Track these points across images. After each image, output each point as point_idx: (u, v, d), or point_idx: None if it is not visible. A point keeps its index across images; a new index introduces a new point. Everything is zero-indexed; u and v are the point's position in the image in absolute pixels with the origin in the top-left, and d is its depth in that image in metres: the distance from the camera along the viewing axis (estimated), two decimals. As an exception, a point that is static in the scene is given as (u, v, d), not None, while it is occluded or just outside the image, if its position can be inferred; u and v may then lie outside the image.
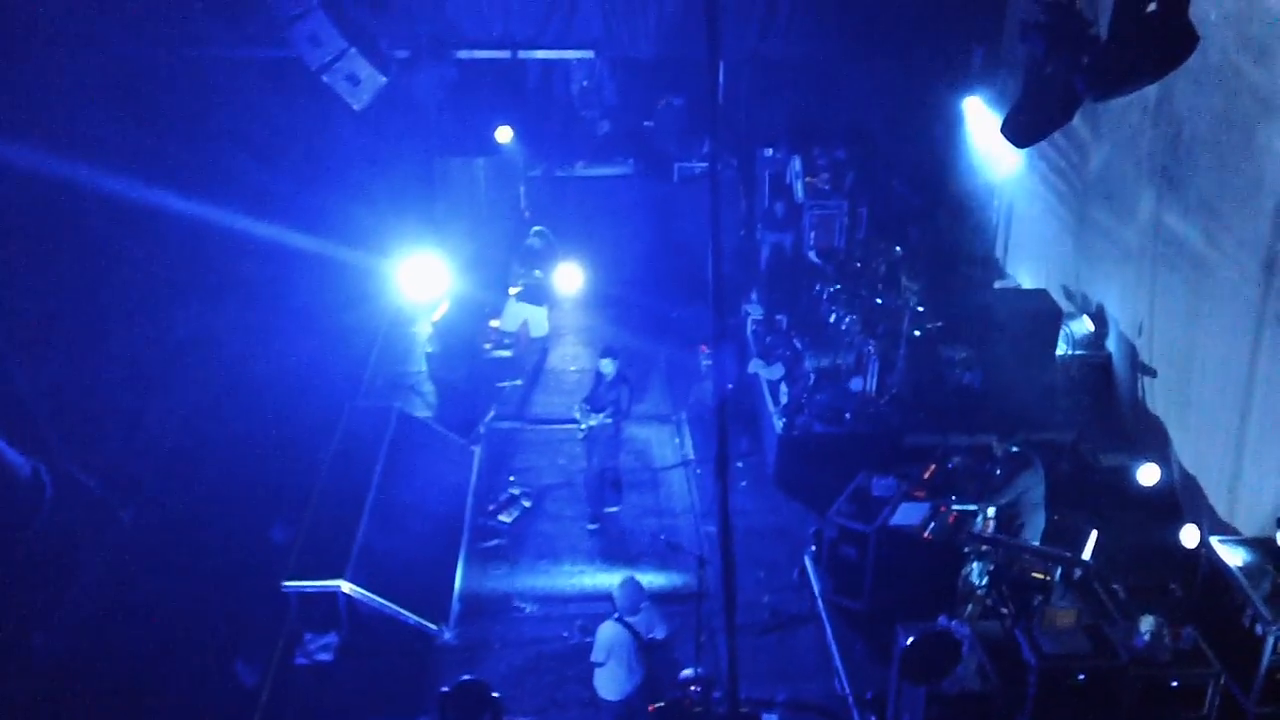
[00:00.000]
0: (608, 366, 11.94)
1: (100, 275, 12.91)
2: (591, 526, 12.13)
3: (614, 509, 12.32)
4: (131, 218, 13.09)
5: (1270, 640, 8.64)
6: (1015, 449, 10.35)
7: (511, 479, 12.83)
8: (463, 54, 16.23)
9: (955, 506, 10.55)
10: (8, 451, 10.60)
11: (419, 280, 14.91)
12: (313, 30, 13.25)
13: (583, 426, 11.92)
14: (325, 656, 10.26)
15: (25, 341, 11.30)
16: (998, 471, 10.65)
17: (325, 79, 13.56)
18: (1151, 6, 6.90)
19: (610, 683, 9.12)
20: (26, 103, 12.33)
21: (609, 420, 11.85)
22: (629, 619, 9.00)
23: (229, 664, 10.12)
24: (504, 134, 16.46)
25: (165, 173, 13.62)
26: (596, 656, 9.07)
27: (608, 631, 9.04)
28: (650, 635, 9.12)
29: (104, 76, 13.99)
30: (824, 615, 10.67)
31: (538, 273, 15.10)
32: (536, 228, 15.50)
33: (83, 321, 12.43)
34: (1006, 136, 9.42)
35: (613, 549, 11.90)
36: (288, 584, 10.16)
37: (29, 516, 10.79)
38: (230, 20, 14.92)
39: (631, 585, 9.07)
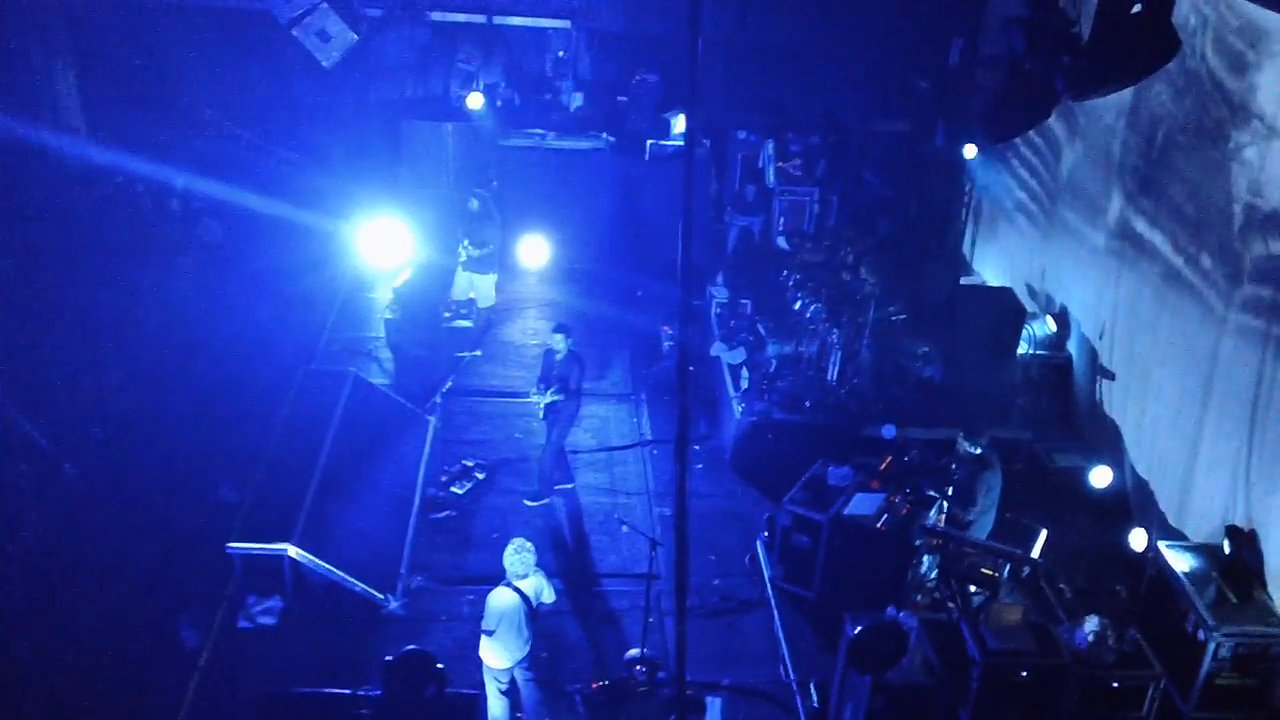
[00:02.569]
0: (559, 342, 11.75)
1: (51, 233, 12.64)
2: (530, 504, 11.99)
3: (567, 485, 12.21)
4: (85, 178, 12.83)
5: (1211, 646, 8.72)
6: (979, 450, 10.35)
7: (467, 451, 12.69)
8: (436, 16, 16.00)
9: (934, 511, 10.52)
10: None
11: (380, 245, 14.70)
12: (284, -18, 13.02)
13: (539, 404, 11.78)
14: (268, 620, 10.13)
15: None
16: (953, 466, 10.68)
17: (295, 33, 13.32)
18: (1136, 8, 6.85)
19: (502, 651, 8.80)
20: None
21: (559, 397, 11.66)
22: (519, 584, 8.75)
23: (170, 624, 9.97)
24: (475, 100, 16.24)
25: (118, 130, 13.36)
26: (488, 625, 8.70)
27: (500, 598, 8.70)
28: (539, 601, 8.90)
29: (63, 33, 13.69)
30: (773, 602, 10.66)
31: (466, 241, 14.83)
32: (476, 190, 15.19)
33: (34, 279, 12.17)
34: (982, 131, 9.39)
35: (564, 526, 11.83)
36: (233, 545, 10.01)
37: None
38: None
39: (522, 549, 8.76)
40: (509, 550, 8.77)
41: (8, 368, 11.16)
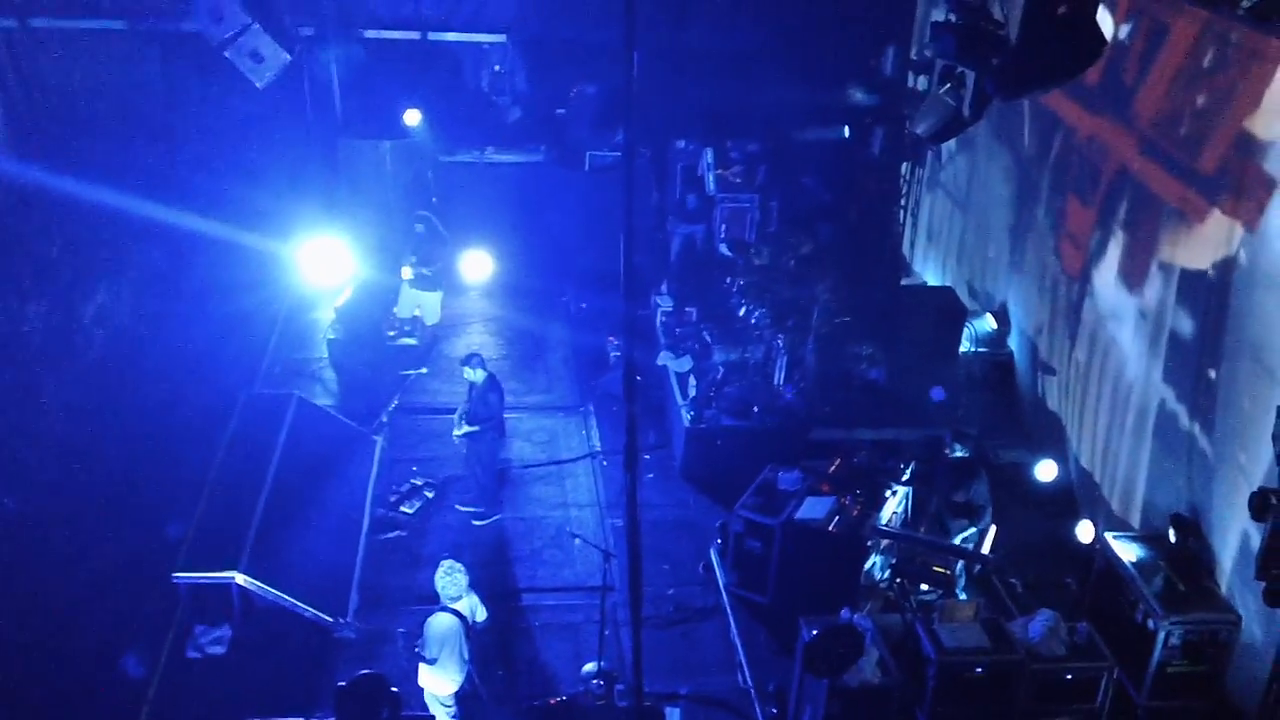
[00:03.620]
0: (470, 374, 11.69)
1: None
2: (478, 524, 11.93)
3: (472, 511, 12.06)
4: (18, 200, 12.61)
5: (1161, 635, 8.84)
6: (965, 452, 10.42)
7: (414, 469, 12.60)
8: (371, 33, 15.90)
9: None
10: None
11: (320, 264, 14.56)
12: (214, 4, 12.84)
13: (455, 435, 11.75)
14: (217, 650, 9.97)
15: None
16: (900, 466, 10.77)
17: (227, 55, 13.15)
18: (1061, 9, 6.95)
19: (445, 677, 8.70)
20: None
21: (473, 428, 11.61)
22: (455, 605, 8.66)
23: (116, 657, 9.77)
24: (412, 117, 16.15)
25: (53, 151, 13.14)
26: (429, 652, 8.55)
27: (440, 623, 8.57)
28: (474, 621, 8.82)
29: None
30: (728, 609, 10.66)
31: (413, 259, 14.78)
32: (421, 212, 15.17)
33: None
34: (917, 134, 9.48)
35: (517, 541, 11.76)
36: (179, 575, 9.85)
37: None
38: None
39: (452, 570, 8.68)
40: (440, 574, 8.69)
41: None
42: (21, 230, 13.01)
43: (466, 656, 8.74)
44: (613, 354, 14.70)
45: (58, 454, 12.06)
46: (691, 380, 13.06)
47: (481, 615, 8.91)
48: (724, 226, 16.43)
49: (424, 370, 14.56)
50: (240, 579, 9.77)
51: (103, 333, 13.54)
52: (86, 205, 12.96)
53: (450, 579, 8.64)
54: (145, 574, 10.27)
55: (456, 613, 8.63)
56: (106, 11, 14.29)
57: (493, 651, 10.05)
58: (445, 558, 9.10)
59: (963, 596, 10.02)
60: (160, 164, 14.40)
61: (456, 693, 8.88)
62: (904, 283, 16.12)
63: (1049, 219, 12.37)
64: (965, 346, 13.56)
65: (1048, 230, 12.39)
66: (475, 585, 9.02)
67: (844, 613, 8.87)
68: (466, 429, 11.64)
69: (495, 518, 11.98)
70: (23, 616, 9.93)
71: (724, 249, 16.07)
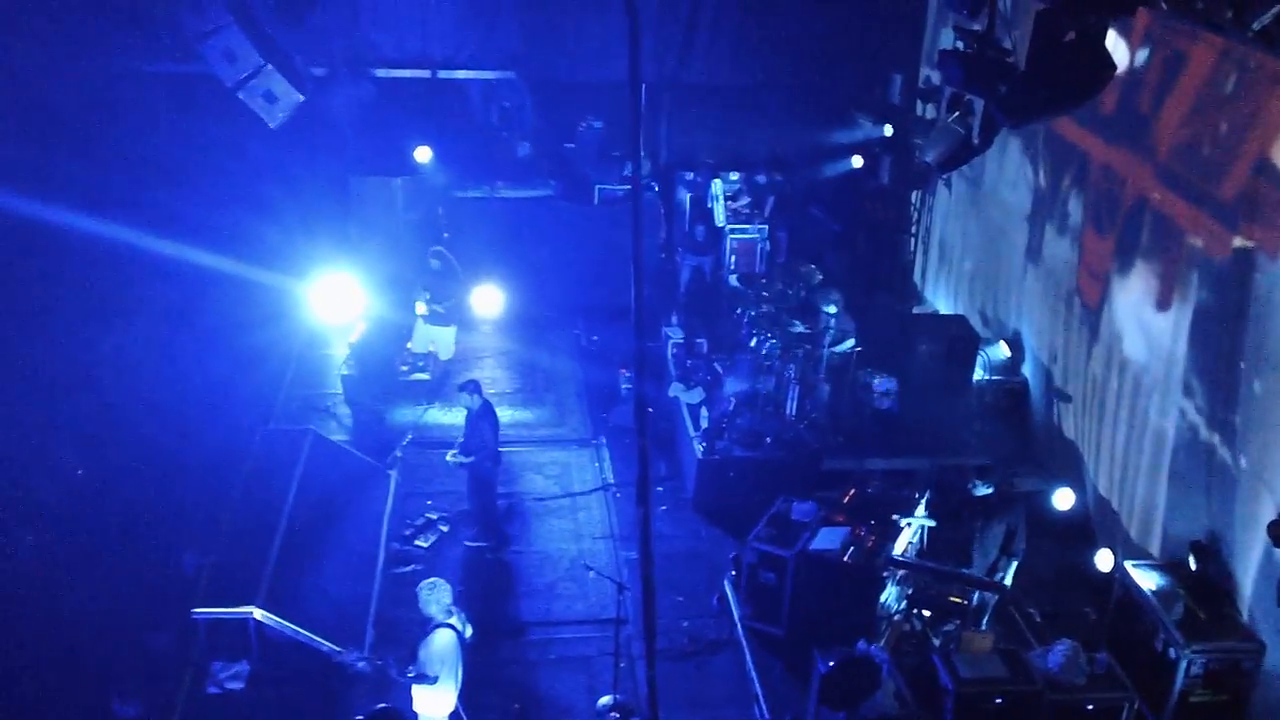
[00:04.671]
0: (466, 400, 11.73)
1: (3, 296, 12.48)
2: (491, 557, 11.94)
3: (479, 545, 12.07)
4: (36, 238, 12.70)
5: (1182, 664, 8.76)
6: (991, 488, 10.37)
7: (429, 503, 12.60)
8: (381, 72, 16.05)
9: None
10: None
11: (333, 301, 14.62)
12: (227, 46, 12.94)
13: (448, 459, 11.79)
14: (236, 685, 9.96)
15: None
16: (915, 496, 10.72)
17: (241, 96, 13.26)
18: (1069, 35, 6.98)
19: (442, 699, 8.55)
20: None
21: (467, 458, 11.64)
22: (450, 621, 8.57)
23: (136, 694, 9.75)
24: (423, 154, 16.27)
25: (71, 191, 13.23)
26: (431, 670, 8.38)
27: (442, 640, 8.43)
28: (465, 637, 8.74)
29: (5, 92, 13.57)
30: (743, 641, 10.60)
31: (427, 295, 14.85)
32: (435, 248, 15.27)
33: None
34: (926, 162, 9.51)
35: (531, 574, 11.74)
36: (198, 611, 9.85)
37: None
38: (139, 34, 14.58)
39: (435, 587, 8.57)
40: (425, 594, 8.57)
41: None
42: (37, 268, 13.09)
43: (461, 674, 8.67)
44: (624, 386, 14.71)
45: (74, 489, 12.10)
46: (703, 412, 13.05)
47: (468, 632, 8.84)
48: (733, 258, 16.50)
49: (436, 405, 14.59)
50: (258, 614, 9.76)
51: (118, 369, 13.59)
52: (102, 243, 13.05)
53: (434, 595, 8.53)
54: (163, 609, 10.27)
55: (453, 627, 8.58)
56: (121, 52, 14.44)
57: (507, 686, 10.01)
58: (462, 589, 9.06)
59: (979, 627, 9.94)
60: (175, 203, 14.48)
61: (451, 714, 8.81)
62: (915, 311, 16.11)
63: (1064, 248, 12.36)
64: (979, 374, 13.53)
65: (1063, 259, 12.38)
66: (490, 619, 8.99)
67: (860, 644, 8.82)
68: (459, 458, 11.65)
69: (501, 549, 11.97)
70: (39, 650, 9.91)
71: (733, 280, 16.11)
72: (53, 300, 13.21)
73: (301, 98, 13.59)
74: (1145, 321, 10.67)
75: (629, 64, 5.42)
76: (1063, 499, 11.44)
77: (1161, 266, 10.41)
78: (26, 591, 10.73)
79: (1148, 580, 9.47)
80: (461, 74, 16.47)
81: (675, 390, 13.68)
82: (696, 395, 13.37)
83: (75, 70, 14.27)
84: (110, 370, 13.56)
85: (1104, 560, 10.55)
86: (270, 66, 13.17)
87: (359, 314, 14.96)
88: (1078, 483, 11.78)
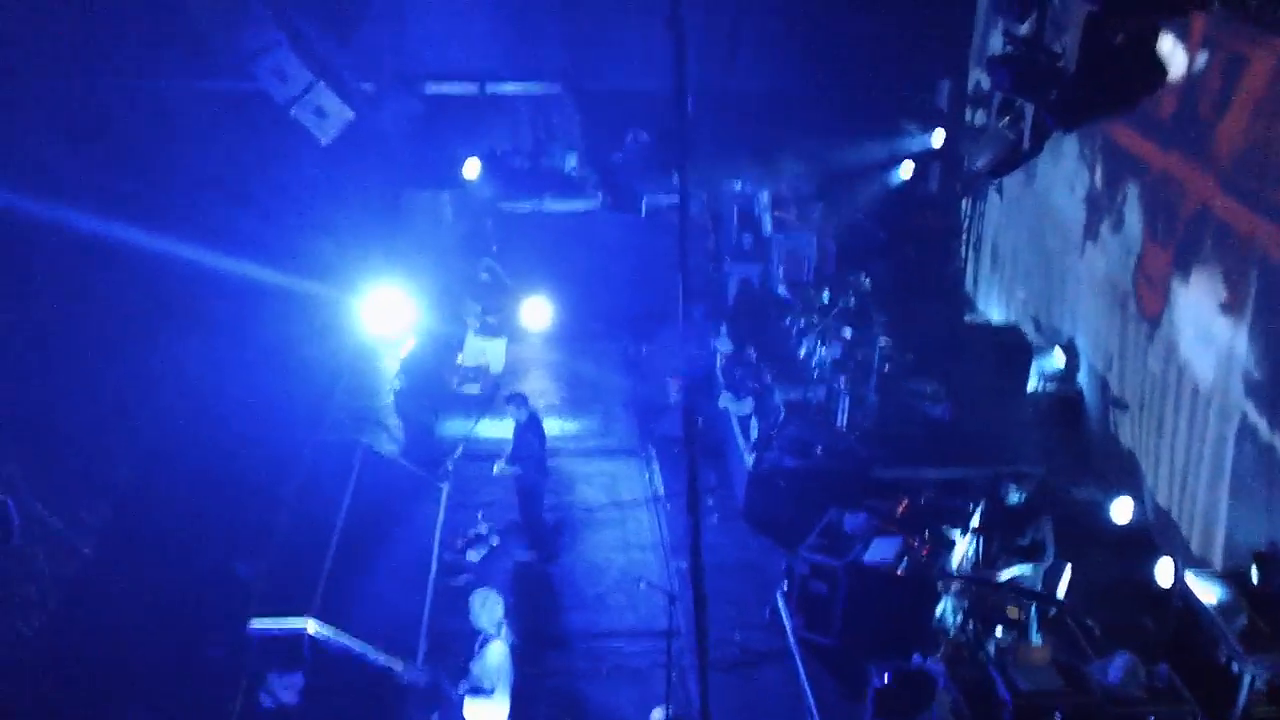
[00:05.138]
0: (513, 413, 11.81)
1: (62, 311, 12.71)
2: (543, 566, 11.96)
3: (528, 558, 12.09)
4: (93, 253, 12.91)
5: (1245, 678, 8.55)
6: (1027, 495, 10.24)
7: (479, 515, 12.63)
8: (429, 88, 16.19)
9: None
10: None
11: (384, 314, 14.74)
12: (279, 64, 13.18)
13: (494, 470, 11.83)
14: (290, 697, 9.97)
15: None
16: (970, 507, 10.59)
17: (292, 113, 13.46)
18: (1119, 38, 6.89)
19: (495, 713, 8.55)
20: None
21: (513, 468, 11.71)
22: (500, 634, 8.60)
23: (191, 704, 9.85)
24: (471, 168, 16.38)
25: (128, 207, 13.46)
26: (487, 683, 8.42)
27: (496, 653, 8.48)
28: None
29: (67, 111, 13.83)
30: (795, 653, 10.52)
31: (478, 308, 14.95)
32: (485, 261, 15.37)
33: (45, 357, 12.21)
34: (977, 169, 9.41)
35: (582, 585, 11.73)
36: (253, 625, 9.92)
37: (-1, 547, 10.55)
38: (194, 54, 14.80)
39: (488, 596, 8.63)
40: (477, 606, 8.63)
41: (21, 448, 11.16)
42: (94, 283, 13.31)
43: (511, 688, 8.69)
44: (673, 397, 14.69)
45: (130, 502, 12.27)
46: (753, 422, 13.00)
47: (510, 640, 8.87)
48: (781, 267, 16.43)
49: (486, 417, 14.63)
50: (312, 626, 9.80)
51: (175, 382, 13.79)
52: (161, 258, 13.26)
53: (486, 607, 8.61)
54: (217, 619, 10.36)
55: (503, 639, 8.61)
56: (179, 73, 14.68)
57: (558, 698, 10.01)
58: (514, 600, 9.08)
59: (1036, 640, 9.78)
60: (230, 218, 14.70)
61: None
62: (967, 319, 15.96)
63: (1120, 256, 12.17)
64: (1033, 383, 13.36)
65: (1119, 267, 12.18)
66: (540, 630, 8.99)
67: (915, 657, 8.72)
68: (506, 469, 11.68)
69: (550, 560, 11.99)
70: (101, 663, 10.04)
71: (782, 289, 16.04)
72: (114, 315, 13.42)
73: (352, 114, 13.80)
74: (1206, 328, 10.49)
75: (674, 80, 5.40)
76: (1121, 509, 11.27)
77: (1223, 273, 10.23)
78: (83, 602, 10.90)
79: (1209, 592, 9.27)
80: (509, 88, 16.56)
81: (724, 400, 13.64)
82: (746, 405, 13.32)
83: (135, 91, 14.52)
84: (167, 383, 13.76)
85: (1163, 571, 10.36)
86: (321, 84, 13.39)
87: (409, 327, 15.07)
88: (1136, 492, 11.60)
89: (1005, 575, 10.17)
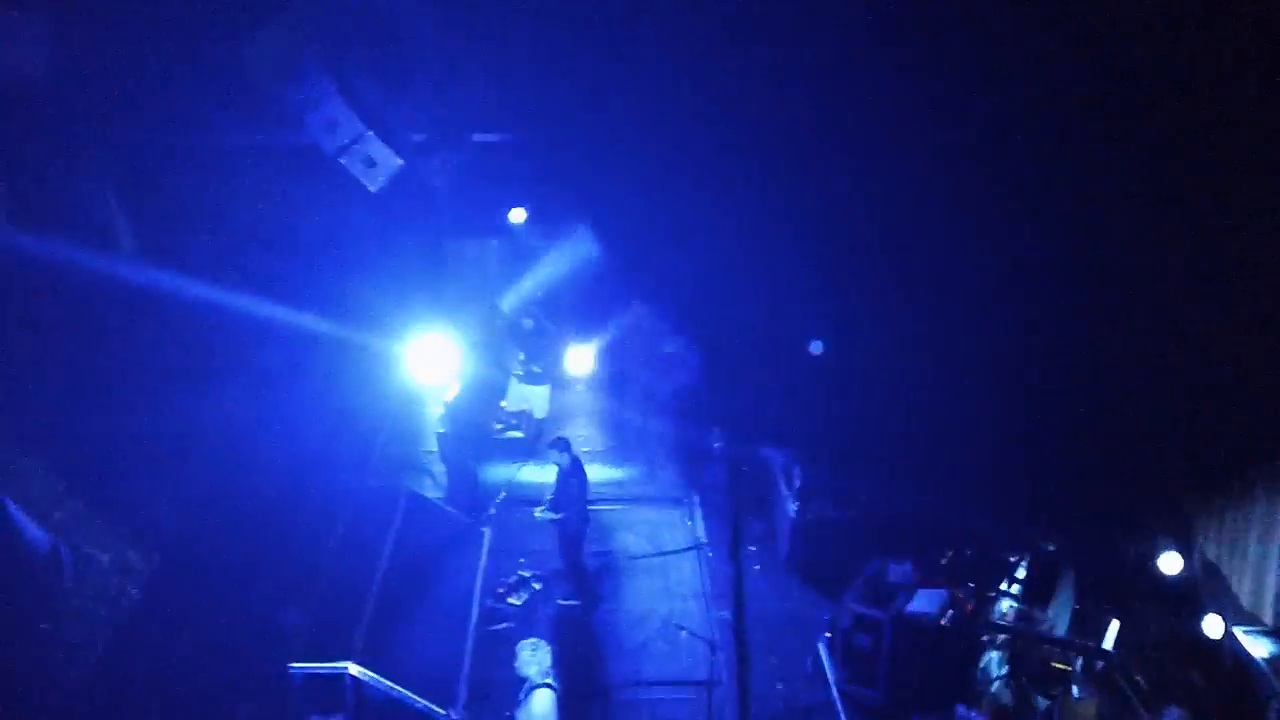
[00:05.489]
0: (557, 458, 11.89)
1: (112, 360, 12.92)
2: (584, 615, 11.97)
3: (569, 604, 12.12)
4: (144, 303, 13.16)
5: (1298, 734, 8.42)
6: (1051, 547, 10.19)
7: (521, 561, 12.66)
8: (477, 136, 16.40)
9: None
10: (29, 528, 10.53)
11: (429, 361, 14.89)
12: (330, 115, 13.39)
13: (536, 514, 11.90)
14: (331, 741, 10.05)
15: (41, 423, 11.29)
16: (1012, 559, 10.53)
17: (342, 162, 13.67)
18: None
19: None
20: (39, 189, 12.49)
21: (555, 515, 11.79)
22: (548, 681, 8.61)
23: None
24: (517, 215, 16.57)
25: (179, 258, 13.74)
26: None
27: (544, 700, 8.49)
28: None
29: (115, 163, 14.15)
30: (838, 705, 10.42)
31: (521, 356, 15.08)
32: (529, 308, 15.52)
33: (95, 405, 12.41)
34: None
35: (623, 633, 11.72)
36: (294, 665, 9.99)
37: (49, 594, 10.70)
38: (243, 106, 15.12)
39: (539, 646, 8.71)
40: (526, 654, 8.72)
41: (73, 493, 11.34)
42: (145, 333, 13.54)
43: None
44: (716, 445, 14.69)
45: (178, 547, 12.41)
46: (796, 471, 12.96)
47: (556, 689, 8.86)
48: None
49: (530, 463, 14.71)
50: (354, 669, 9.85)
51: (222, 430, 13.96)
52: (208, 308, 13.48)
53: (536, 656, 8.69)
54: (262, 662, 10.42)
55: (550, 687, 8.62)
56: (229, 127, 14.97)
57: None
58: (556, 647, 9.10)
59: (1081, 694, 9.66)
60: (280, 267, 14.94)
61: None
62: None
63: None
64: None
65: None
66: (582, 678, 8.99)
67: (960, 709, 8.64)
68: (549, 514, 11.72)
69: (592, 607, 11.98)
70: (141, 702, 10.17)
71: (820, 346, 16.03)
72: (165, 363, 13.64)
73: (400, 162, 13.98)
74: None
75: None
76: (1169, 563, 11.13)
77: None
78: (130, 644, 11.02)
79: (1259, 647, 9.16)
80: (554, 135, 16.73)
81: (767, 449, 13.62)
82: (789, 453, 13.29)
83: (183, 142, 14.82)
84: (216, 430, 13.93)
85: (1212, 626, 10.21)
86: (370, 133, 13.60)
87: (454, 374, 15.20)
88: (1186, 547, 11.44)
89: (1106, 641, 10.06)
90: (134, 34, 13.19)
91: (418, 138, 15.53)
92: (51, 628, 10.57)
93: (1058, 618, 10.24)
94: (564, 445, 11.93)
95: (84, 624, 10.98)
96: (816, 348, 11.41)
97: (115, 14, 13.13)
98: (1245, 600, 10.43)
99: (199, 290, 13.45)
